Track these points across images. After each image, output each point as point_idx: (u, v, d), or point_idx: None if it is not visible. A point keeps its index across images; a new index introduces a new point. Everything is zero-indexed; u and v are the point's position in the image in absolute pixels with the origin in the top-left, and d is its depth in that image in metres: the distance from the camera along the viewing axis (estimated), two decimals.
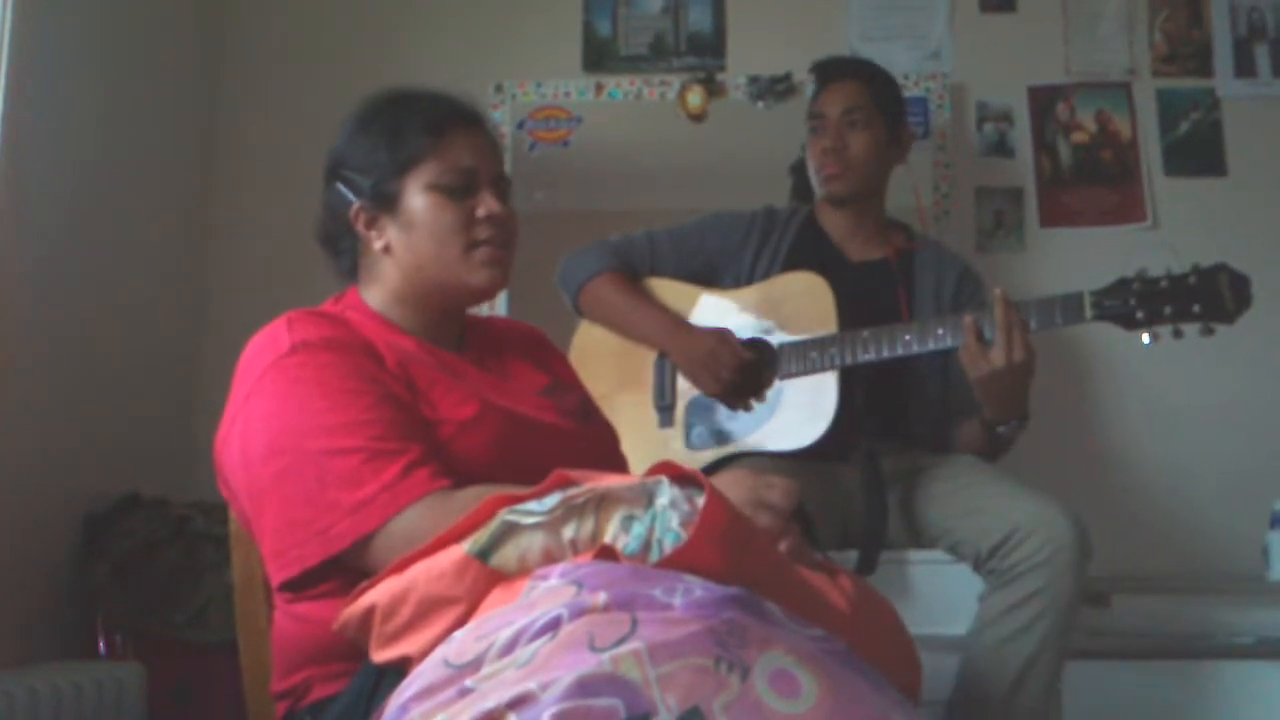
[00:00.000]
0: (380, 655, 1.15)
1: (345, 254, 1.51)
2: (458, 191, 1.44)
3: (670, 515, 1.08)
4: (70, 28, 2.32)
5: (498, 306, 2.65)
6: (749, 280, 2.25)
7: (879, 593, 1.31)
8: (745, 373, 2.11)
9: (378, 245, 1.46)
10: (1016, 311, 1.87)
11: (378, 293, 1.49)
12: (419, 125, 1.44)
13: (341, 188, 1.47)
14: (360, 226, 1.47)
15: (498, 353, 1.57)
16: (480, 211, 1.45)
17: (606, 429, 1.61)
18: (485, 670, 0.94)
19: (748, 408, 2.13)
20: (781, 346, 2.13)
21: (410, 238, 1.45)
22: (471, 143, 1.47)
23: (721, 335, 2.13)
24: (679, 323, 2.20)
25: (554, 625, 0.94)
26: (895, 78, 2.37)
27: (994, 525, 1.85)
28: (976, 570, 1.89)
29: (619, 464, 1.61)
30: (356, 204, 1.46)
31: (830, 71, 2.35)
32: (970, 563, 1.90)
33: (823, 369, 2.06)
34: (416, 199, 1.44)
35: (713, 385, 2.12)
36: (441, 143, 1.45)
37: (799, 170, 2.47)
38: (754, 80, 2.79)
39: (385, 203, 1.45)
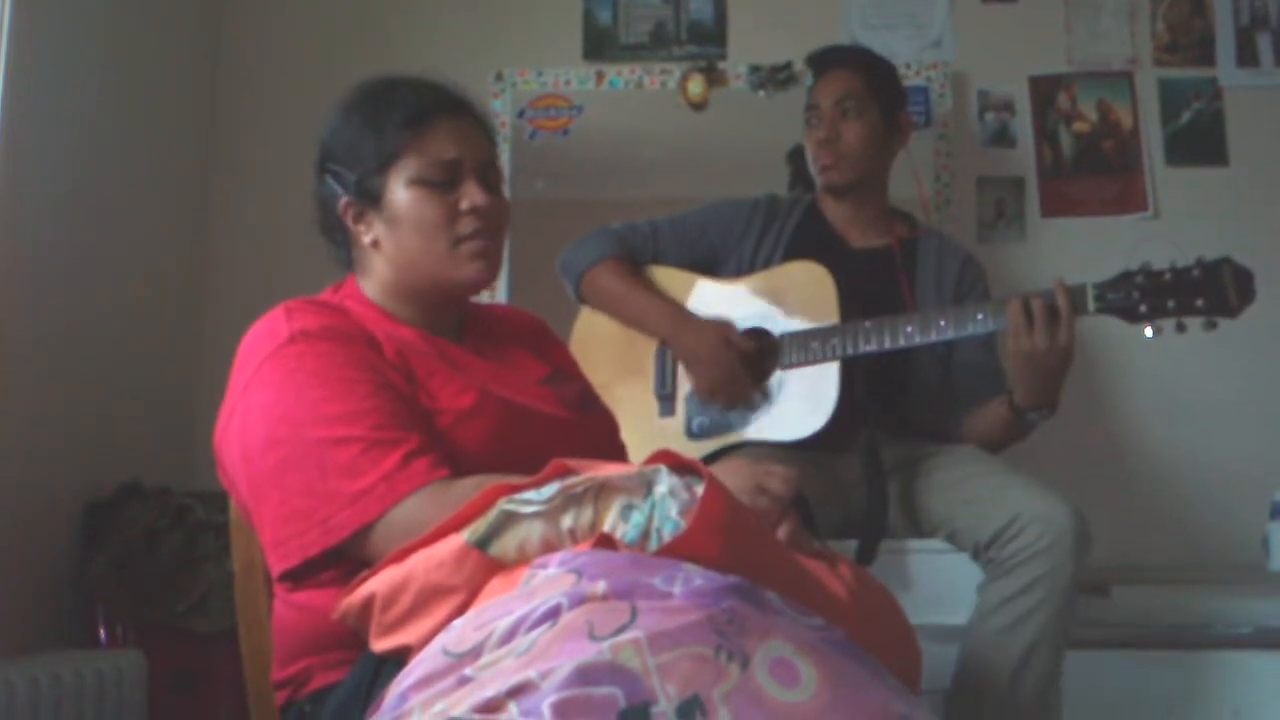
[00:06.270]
0: (380, 644, 1.15)
1: (341, 245, 1.50)
2: (441, 184, 1.42)
3: (669, 504, 1.08)
4: (69, 25, 2.31)
5: (498, 295, 2.64)
6: (751, 269, 2.25)
7: (879, 581, 1.31)
8: (742, 376, 2.11)
9: (367, 240, 1.45)
10: (1071, 298, 1.87)
11: (373, 284, 1.48)
12: (399, 118, 1.42)
13: (330, 181, 1.46)
14: (349, 221, 1.46)
15: (498, 341, 1.56)
16: (464, 204, 1.42)
17: (606, 417, 1.61)
18: (485, 659, 0.95)
19: (746, 401, 2.12)
20: (783, 336, 2.13)
21: (396, 234, 1.43)
22: (454, 132, 1.44)
23: (725, 335, 2.13)
24: (681, 312, 2.20)
25: (553, 614, 0.94)
26: (892, 64, 2.37)
27: (993, 515, 1.85)
28: (975, 559, 1.89)
29: (619, 453, 1.61)
30: (344, 199, 1.45)
31: (823, 62, 2.35)
32: (969, 552, 1.90)
33: (824, 359, 2.06)
34: (400, 194, 1.42)
35: (705, 385, 2.13)
36: (422, 135, 1.42)
37: (796, 158, 2.47)
38: (755, 69, 2.78)
39: (370, 198, 1.43)
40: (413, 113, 1.42)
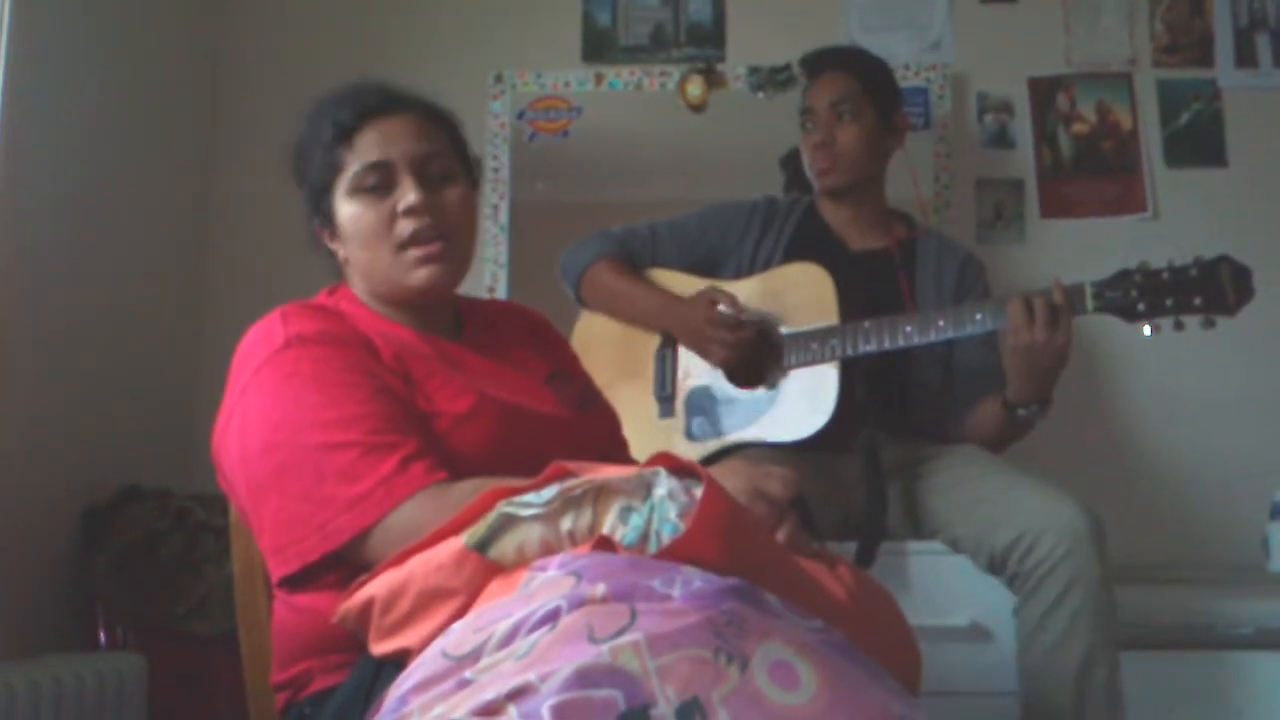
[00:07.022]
0: (379, 647, 1.15)
1: (328, 256, 1.51)
2: (376, 189, 1.39)
3: (668, 506, 1.07)
4: (69, 25, 2.31)
5: (498, 295, 2.64)
6: (750, 270, 2.25)
7: (878, 582, 1.31)
8: (748, 334, 2.11)
9: (340, 256, 1.46)
10: (1069, 296, 1.88)
11: (359, 291, 1.48)
12: (330, 135, 1.40)
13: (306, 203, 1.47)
14: (325, 241, 1.47)
15: (499, 338, 1.55)
16: (400, 206, 1.39)
17: (607, 413, 1.61)
18: (484, 662, 0.94)
19: (771, 343, 2.11)
20: (783, 337, 2.13)
21: (350, 248, 1.43)
22: (383, 132, 1.40)
23: (709, 298, 2.13)
24: (677, 297, 2.21)
25: (553, 616, 0.94)
26: (886, 64, 2.36)
27: (1001, 524, 1.84)
28: (993, 573, 1.87)
29: (621, 448, 1.61)
30: (315, 221, 1.46)
31: (817, 65, 2.35)
32: (983, 564, 1.88)
33: (824, 360, 2.06)
34: (344, 209, 1.41)
35: (720, 351, 2.12)
36: (352, 144, 1.40)
37: (790, 163, 2.47)
38: (754, 70, 2.78)
39: (327, 219, 1.44)
40: (340, 124, 1.40)
